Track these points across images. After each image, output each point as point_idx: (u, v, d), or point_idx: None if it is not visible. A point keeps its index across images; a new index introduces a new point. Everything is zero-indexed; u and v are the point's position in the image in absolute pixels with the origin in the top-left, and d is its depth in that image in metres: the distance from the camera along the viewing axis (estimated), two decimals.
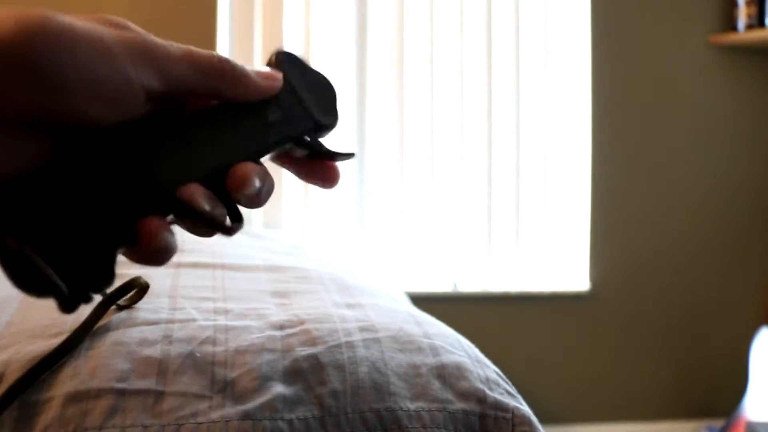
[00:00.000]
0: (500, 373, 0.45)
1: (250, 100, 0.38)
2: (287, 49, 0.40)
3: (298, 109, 0.40)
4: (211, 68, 0.36)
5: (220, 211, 0.37)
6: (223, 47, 2.18)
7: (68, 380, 0.38)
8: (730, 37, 2.32)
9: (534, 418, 0.42)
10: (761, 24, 2.26)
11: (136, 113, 0.34)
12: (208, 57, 0.36)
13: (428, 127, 2.29)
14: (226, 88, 0.37)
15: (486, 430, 0.40)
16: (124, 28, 0.34)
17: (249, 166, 0.37)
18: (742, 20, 2.30)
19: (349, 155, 0.41)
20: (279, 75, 0.39)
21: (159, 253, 0.36)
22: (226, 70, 0.36)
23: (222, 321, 0.46)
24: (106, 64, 0.32)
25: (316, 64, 0.41)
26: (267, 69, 0.39)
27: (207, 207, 0.36)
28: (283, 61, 0.40)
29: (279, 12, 2.20)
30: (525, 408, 0.42)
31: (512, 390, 0.44)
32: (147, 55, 0.33)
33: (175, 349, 0.41)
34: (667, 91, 2.37)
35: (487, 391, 0.41)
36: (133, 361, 0.39)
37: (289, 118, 0.39)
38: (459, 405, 0.40)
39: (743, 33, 2.29)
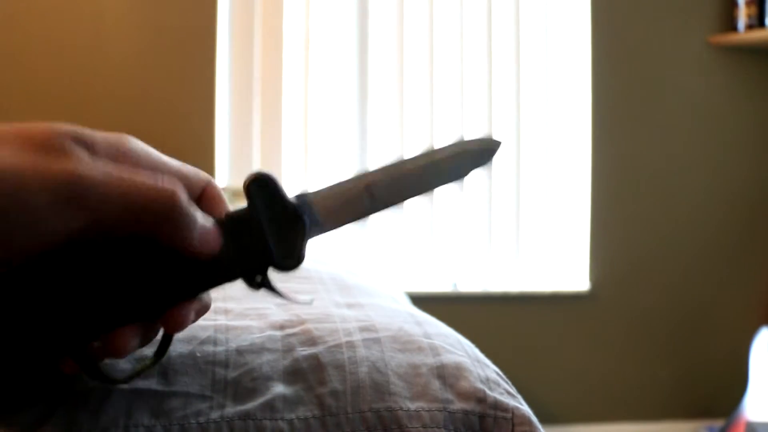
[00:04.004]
0: (500, 373, 0.45)
1: (183, 251, 0.34)
2: (264, 172, 0.37)
3: (255, 245, 0.36)
4: (153, 208, 0.31)
5: (152, 336, 0.35)
6: (223, 47, 2.18)
7: (68, 381, 0.38)
8: (730, 37, 2.32)
9: (534, 418, 0.42)
10: (761, 24, 2.26)
11: (51, 247, 0.30)
12: (155, 195, 0.31)
13: (428, 127, 2.29)
14: (163, 235, 0.32)
15: (486, 430, 0.40)
16: (59, 154, 0.29)
17: (185, 311, 0.34)
18: (742, 20, 2.30)
19: (306, 303, 0.38)
20: (217, 240, 0.34)
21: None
22: (172, 215, 0.32)
23: (222, 321, 0.46)
24: (16, 214, 0.28)
25: (291, 194, 0.37)
26: (211, 226, 0.34)
27: (136, 345, 0.34)
28: (253, 186, 0.36)
29: (279, 12, 2.20)
30: (525, 408, 0.42)
31: (512, 390, 0.44)
32: (72, 195, 0.29)
33: (176, 349, 0.41)
34: (667, 91, 2.37)
35: (487, 391, 0.42)
36: (134, 361, 0.40)
37: (244, 254, 0.36)
38: (459, 405, 0.40)
39: (743, 33, 2.29)
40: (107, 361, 0.37)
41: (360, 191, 0.39)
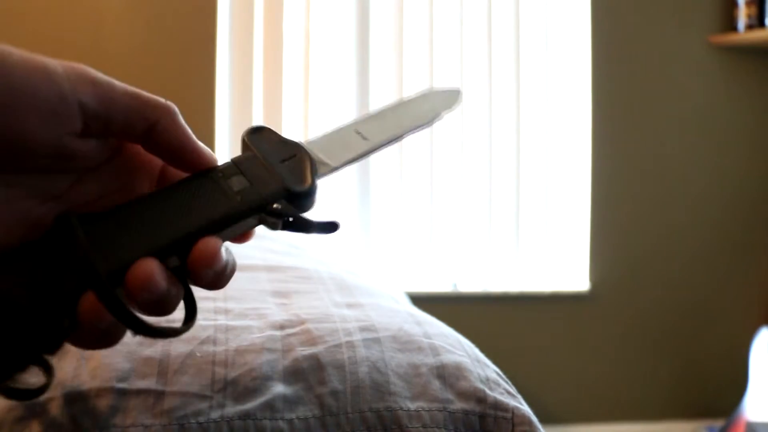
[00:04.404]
0: (500, 373, 0.45)
1: (185, 147, 0.36)
2: (257, 124, 0.40)
3: (265, 176, 0.37)
4: (155, 102, 0.35)
5: (176, 291, 0.33)
6: (223, 47, 2.18)
7: (68, 380, 0.38)
8: (730, 37, 2.32)
9: (534, 418, 0.42)
10: (761, 24, 2.26)
11: (70, 130, 0.32)
12: (156, 100, 0.35)
13: (428, 128, 2.29)
14: (166, 122, 0.35)
15: (486, 430, 0.40)
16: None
17: (214, 240, 0.34)
18: (742, 20, 2.30)
19: (332, 226, 0.38)
20: (212, 155, 0.37)
21: (103, 337, 0.32)
22: (171, 109, 0.36)
23: (222, 320, 0.46)
24: (39, 77, 0.32)
25: (289, 134, 0.39)
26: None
27: (163, 285, 0.32)
28: (251, 133, 0.40)
29: (279, 12, 2.20)
30: (525, 408, 0.42)
31: (512, 390, 0.44)
32: (87, 77, 0.33)
33: (175, 349, 0.41)
34: (667, 91, 2.37)
35: (487, 391, 0.42)
36: (134, 360, 0.39)
37: (257, 186, 0.37)
38: (459, 405, 0.40)
39: (743, 33, 2.29)
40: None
41: (351, 133, 0.43)
